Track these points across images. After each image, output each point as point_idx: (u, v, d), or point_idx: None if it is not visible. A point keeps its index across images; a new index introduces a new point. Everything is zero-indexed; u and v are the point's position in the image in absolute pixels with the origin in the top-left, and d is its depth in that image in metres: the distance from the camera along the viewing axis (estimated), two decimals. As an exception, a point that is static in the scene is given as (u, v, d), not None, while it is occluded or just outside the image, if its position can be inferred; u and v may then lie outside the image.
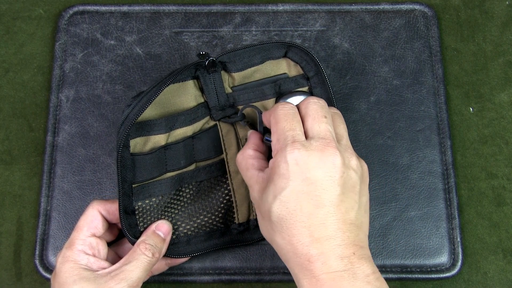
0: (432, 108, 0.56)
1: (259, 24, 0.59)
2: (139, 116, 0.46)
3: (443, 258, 0.52)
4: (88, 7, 0.59)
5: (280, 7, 0.59)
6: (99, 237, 0.45)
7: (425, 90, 0.57)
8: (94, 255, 0.44)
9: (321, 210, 0.39)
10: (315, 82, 0.51)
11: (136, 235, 0.46)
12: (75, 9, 0.59)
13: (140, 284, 0.43)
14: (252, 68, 0.51)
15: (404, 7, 0.60)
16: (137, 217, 0.48)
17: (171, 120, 0.50)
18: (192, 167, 0.51)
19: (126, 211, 0.46)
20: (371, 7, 0.60)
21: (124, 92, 0.56)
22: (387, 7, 0.60)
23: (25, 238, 0.53)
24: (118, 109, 0.56)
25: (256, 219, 0.50)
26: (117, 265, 0.43)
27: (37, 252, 0.52)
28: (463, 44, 0.60)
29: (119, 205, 0.45)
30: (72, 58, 0.58)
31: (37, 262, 0.52)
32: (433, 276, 0.52)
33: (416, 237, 0.53)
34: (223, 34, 0.59)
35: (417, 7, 0.60)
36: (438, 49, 0.58)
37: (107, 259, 0.46)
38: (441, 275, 0.52)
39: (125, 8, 0.59)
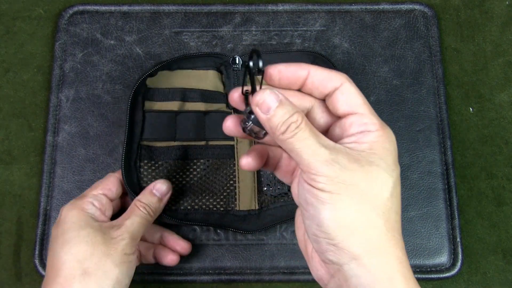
0: (432, 108, 0.56)
1: (259, 24, 0.59)
2: (154, 70, 0.51)
3: (443, 258, 0.52)
4: (88, 7, 0.59)
5: (280, 7, 0.59)
6: (110, 199, 0.47)
7: (425, 90, 0.57)
8: (100, 210, 0.46)
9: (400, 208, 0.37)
10: None
11: (137, 192, 0.49)
12: (75, 9, 0.59)
13: (139, 239, 0.45)
14: None
15: (404, 7, 0.60)
16: (142, 175, 0.51)
17: (187, 92, 0.54)
18: (202, 143, 0.52)
19: (130, 166, 0.50)
20: (371, 7, 0.60)
21: (124, 92, 0.56)
22: (387, 7, 0.60)
23: (25, 238, 0.53)
24: (118, 109, 0.56)
25: (256, 210, 0.52)
26: (118, 220, 0.45)
27: (36, 252, 0.52)
28: (463, 44, 0.60)
29: (122, 157, 0.49)
30: (72, 58, 0.58)
31: (37, 262, 0.52)
32: (433, 276, 0.52)
33: (416, 237, 0.53)
34: (223, 34, 0.59)
35: (417, 7, 0.60)
36: (438, 49, 0.58)
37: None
38: (441, 275, 0.52)
39: (125, 8, 0.59)
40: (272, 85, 0.35)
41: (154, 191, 0.47)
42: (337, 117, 0.35)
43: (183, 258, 0.51)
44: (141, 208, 0.45)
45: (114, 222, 0.45)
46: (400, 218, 0.35)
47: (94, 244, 0.42)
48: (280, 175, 0.38)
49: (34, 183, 0.55)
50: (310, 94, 0.35)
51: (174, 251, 0.50)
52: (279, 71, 0.35)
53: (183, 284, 0.52)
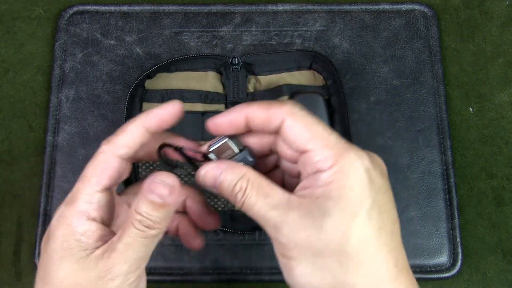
0: (432, 108, 0.56)
1: (259, 24, 0.59)
2: (153, 71, 0.52)
3: (443, 258, 0.52)
4: (88, 7, 0.59)
5: (280, 7, 0.59)
6: (111, 190, 0.33)
7: (425, 90, 0.57)
8: (99, 220, 0.32)
9: (396, 225, 0.32)
10: (332, 90, 0.53)
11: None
12: (75, 9, 0.59)
13: (142, 266, 0.32)
14: (278, 75, 0.55)
15: (404, 7, 0.60)
16: (140, 176, 0.51)
17: (185, 93, 0.54)
18: (201, 143, 0.53)
19: None
20: (371, 7, 0.60)
21: (124, 92, 0.56)
22: (387, 7, 0.60)
23: (25, 238, 0.53)
24: (118, 109, 0.56)
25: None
26: (113, 240, 0.31)
27: (37, 252, 0.52)
28: (463, 44, 0.60)
29: None
30: (72, 58, 0.58)
31: (37, 262, 0.52)
32: (433, 276, 0.52)
33: (416, 237, 0.53)
34: (223, 34, 0.59)
35: (417, 7, 0.60)
36: (438, 49, 0.58)
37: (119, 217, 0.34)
38: (441, 275, 0.52)
39: (125, 8, 0.59)
40: (211, 133, 0.33)
41: (149, 195, 0.30)
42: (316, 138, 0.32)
43: (183, 258, 0.51)
44: (135, 224, 0.30)
45: (108, 245, 0.31)
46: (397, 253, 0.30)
47: (79, 285, 0.30)
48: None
49: (34, 183, 0.55)
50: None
51: (201, 226, 0.38)
52: (216, 124, 0.32)
53: (183, 284, 0.52)
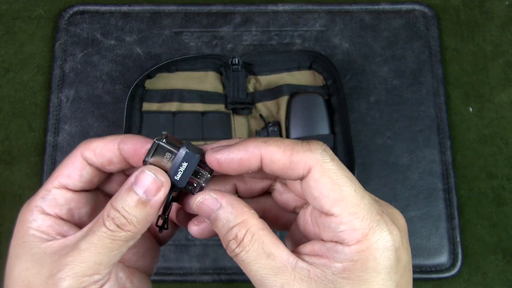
0: (432, 108, 0.56)
1: (259, 24, 0.59)
2: (153, 71, 0.52)
3: (443, 258, 0.52)
4: (88, 7, 0.59)
5: (280, 7, 0.59)
6: (76, 190, 0.29)
7: (425, 90, 0.57)
8: (55, 215, 0.28)
9: None
10: (332, 90, 0.53)
11: None
12: (75, 9, 0.59)
13: (106, 270, 0.26)
14: (278, 75, 0.55)
15: (404, 7, 0.60)
16: None
17: (185, 93, 0.54)
18: (201, 143, 0.53)
19: None
20: (371, 7, 0.60)
21: (124, 92, 0.56)
22: (387, 7, 0.60)
23: (25, 238, 0.53)
24: (118, 109, 0.56)
25: None
26: (76, 235, 0.27)
27: (37, 252, 0.52)
28: (463, 44, 0.60)
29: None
30: (72, 58, 0.58)
31: (37, 262, 0.52)
32: (433, 276, 0.52)
33: (416, 237, 0.53)
34: (223, 34, 0.59)
35: (417, 7, 0.60)
36: (438, 49, 0.58)
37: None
38: (441, 275, 0.52)
39: (125, 8, 0.59)
40: (222, 173, 0.27)
41: (135, 187, 0.26)
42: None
43: (183, 258, 0.51)
44: (106, 221, 0.26)
45: (67, 241, 0.27)
46: None
47: (28, 284, 0.27)
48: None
49: (34, 183, 0.55)
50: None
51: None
52: (220, 162, 0.26)
53: (183, 284, 0.52)
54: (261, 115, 0.54)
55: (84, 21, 0.59)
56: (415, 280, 0.52)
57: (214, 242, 0.52)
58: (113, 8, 0.59)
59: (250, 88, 0.55)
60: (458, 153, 0.56)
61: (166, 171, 0.26)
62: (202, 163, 0.27)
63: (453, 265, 0.52)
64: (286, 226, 0.30)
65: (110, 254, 0.26)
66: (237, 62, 0.54)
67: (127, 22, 0.59)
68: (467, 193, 0.55)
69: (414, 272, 0.52)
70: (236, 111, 0.55)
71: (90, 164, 0.28)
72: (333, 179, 0.24)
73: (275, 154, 0.25)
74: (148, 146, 0.27)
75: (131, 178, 0.26)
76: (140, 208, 0.26)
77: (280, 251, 0.25)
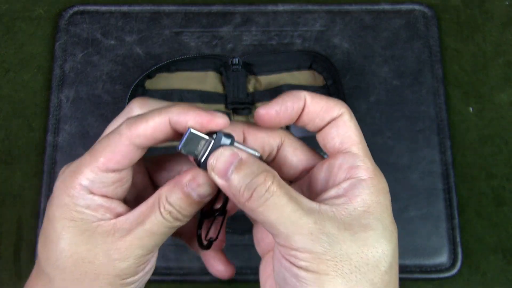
0: (432, 108, 0.56)
1: (259, 24, 0.59)
2: (153, 71, 0.52)
3: (442, 258, 0.52)
4: (88, 7, 0.59)
5: (280, 7, 0.59)
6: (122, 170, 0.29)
7: (425, 90, 0.57)
8: (103, 195, 0.29)
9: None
10: (332, 90, 0.54)
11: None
12: (75, 9, 0.59)
13: (154, 253, 0.30)
14: (278, 76, 0.55)
15: (404, 7, 0.60)
16: None
17: (185, 93, 0.54)
18: None
19: None
20: (371, 7, 0.60)
21: (124, 92, 0.56)
22: (387, 7, 0.60)
23: (25, 238, 0.53)
24: (118, 109, 0.56)
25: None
26: (129, 218, 0.28)
27: (37, 252, 0.52)
28: (463, 44, 0.60)
29: None
30: (72, 58, 0.58)
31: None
32: (433, 276, 0.52)
33: (416, 237, 0.53)
34: (223, 34, 0.59)
35: (417, 7, 0.60)
36: (438, 49, 0.58)
37: (126, 199, 0.30)
38: (441, 275, 0.52)
39: (125, 8, 0.59)
40: (271, 127, 0.29)
41: (189, 190, 0.28)
42: (319, 156, 0.30)
43: (183, 258, 0.51)
44: (164, 214, 0.28)
45: (120, 222, 0.28)
46: None
47: (76, 260, 0.28)
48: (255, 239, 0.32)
49: (34, 183, 0.55)
50: (303, 126, 0.29)
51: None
52: (277, 111, 0.28)
53: (183, 284, 0.52)
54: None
55: (84, 21, 0.59)
56: (415, 280, 0.52)
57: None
58: (113, 8, 0.59)
59: (250, 88, 0.55)
60: (458, 153, 0.56)
61: (203, 157, 0.27)
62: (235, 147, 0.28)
63: (453, 265, 0.52)
64: None
65: (165, 238, 0.29)
66: (237, 62, 0.54)
67: (127, 22, 0.59)
68: (467, 193, 0.55)
69: (414, 272, 0.52)
70: (236, 111, 0.55)
71: (140, 148, 0.28)
72: (357, 127, 0.29)
73: (315, 97, 0.28)
74: (206, 116, 0.27)
75: (184, 178, 0.28)
76: (193, 206, 0.28)
77: (303, 198, 0.26)
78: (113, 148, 0.28)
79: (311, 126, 0.29)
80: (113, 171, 0.28)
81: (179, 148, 0.27)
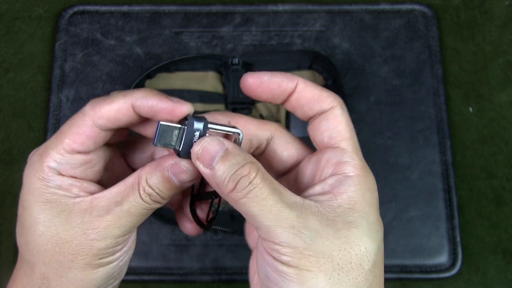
0: (432, 108, 0.56)
1: (259, 24, 0.59)
2: (153, 71, 0.52)
3: (442, 258, 0.52)
4: (88, 7, 0.59)
5: (280, 7, 0.59)
6: (89, 151, 0.29)
7: (425, 90, 0.57)
8: (72, 176, 0.28)
9: None
10: (332, 90, 0.53)
11: None
12: (75, 9, 0.59)
13: (132, 233, 0.30)
14: None
15: (404, 7, 0.60)
16: None
17: (185, 93, 0.54)
18: None
19: None
20: (371, 7, 0.60)
21: (124, 92, 0.56)
22: (387, 7, 0.60)
23: (25, 238, 0.53)
24: (118, 109, 0.56)
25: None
26: (105, 196, 0.28)
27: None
28: (463, 44, 0.60)
29: None
30: (72, 58, 0.58)
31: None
32: (432, 276, 0.52)
33: (416, 237, 0.53)
34: (223, 34, 0.59)
35: (417, 7, 0.60)
36: (438, 49, 0.58)
37: (103, 183, 0.30)
38: (441, 275, 0.52)
39: (125, 8, 0.59)
40: (250, 96, 0.29)
41: (169, 175, 0.28)
42: (310, 151, 0.30)
43: (183, 258, 0.51)
44: (143, 196, 0.28)
45: (97, 200, 0.28)
46: None
47: (55, 242, 0.27)
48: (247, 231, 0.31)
49: (34, 183, 0.55)
50: (293, 111, 0.29)
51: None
52: (261, 81, 0.28)
53: (183, 284, 0.52)
54: (261, 115, 0.55)
55: (84, 21, 0.59)
56: (415, 280, 0.52)
57: (214, 242, 0.52)
58: (113, 8, 0.59)
59: None
60: (458, 153, 0.56)
61: (180, 146, 0.27)
62: (211, 129, 0.27)
63: (453, 265, 0.52)
64: None
65: (143, 219, 0.29)
66: (237, 62, 0.54)
67: (127, 22, 0.59)
68: (467, 193, 0.55)
69: (414, 272, 0.52)
70: (236, 111, 0.55)
71: (103, 129, 0.28)
72: (348, 122, 0.28)
73: (309, 85, 0.28)
74: (166, 102, 0.27)
75: (165, 162, 0.28)
76: (173, 189, 0.28)
77: (288, 192, 0.26)
78: (77, 129, 0.27)
79: (299, 113, 0.29)
80: (79, 152, 0.28)
81: (155, 143, 0.27)
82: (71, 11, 0.59)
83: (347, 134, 0.28)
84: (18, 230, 0.29)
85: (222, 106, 0.55)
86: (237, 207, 0.25)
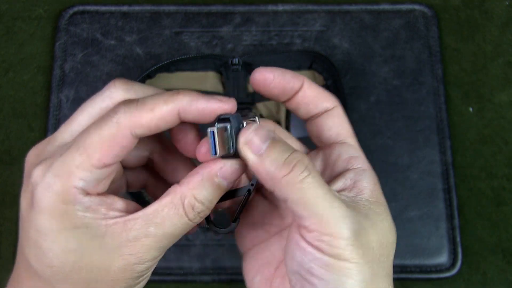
0: (432, 108, 0.56)
1: (259, 24, 0.59)
2: (153, 71, 0.52)
3: (442, 258, 0.52)
4: (88, 7, 0.59)
5: (280, 7, 0.59)
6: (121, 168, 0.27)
7: (425, 90, 0.57)
8: (98, 193, 0.26)
9: None
10: (332, 90, 0.54)
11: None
12: (75, 9, 0.59)
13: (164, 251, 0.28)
14: None
15: (404, 7, 0.60)
16: None
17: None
18: None
19: None
20: (371, 7, 0.60)
21: (124, 92, 0.56)
22: (387, 7, 0.60)
23: (25, 238, 0.53)
24: (118, 109, 0.56)
25: None
26: (140, 217, 0.25)
27: (37, 252, 0.52)
28: (463, 44, 0.60)
29: None
30: (72, 58, 0.58)
31: (37, 262, 0.52)
32: (432, 276, 0.52)
33: (416, 237, 0.53)
34: (223, 34, 0.59)
35: (417, 7, 0.60)
36: (438, 49, 0.58)
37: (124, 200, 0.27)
38: (441, 275, 0.52)
39: (125, 8, 0.59)
40: (258, 91, 0.28)
41: (220, 180, 0.26)
42: (304, 149, 0.31)
43: (183, 258, 0.51)
44: (191, 216, 0.26)
45: (131, 223, 0.25)
46: None
47: (90, 270, 0.25)
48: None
49: (34, 183, 0.55)
50: (293, 110, 0.30)
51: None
52: (274, 76, 0.27)
53: (183, 284, 0.52)
54: (261, 115, 0.55)
55: (84, 21, 0.59)
56: (415, 280, 0.52)
57: (214, 242, 0.52)
58: (113, 8, 0.59)
59: (250, 88, 0.55)
60: (458, 153, 0.56)
61: (233, 147, 0.26)
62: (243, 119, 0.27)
63: (453, 265, 0.52)
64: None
65: (179, 238, 0.27)
66: (237, 62, 0.54)
67: (127, 22, 0.59)
68: (467, 193, 0.55)
69: (414, 272, 0.52)
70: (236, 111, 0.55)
71: (139, 137, 0.25)
72: (348, 121, 0.30)
73: (313, 84, 0.29)
74: (215, 102, 0.26)
75: (213, 167, 0.26)
76: (222, 193, 0.27)
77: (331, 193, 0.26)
78: (111, 142, 0.24)
79: (303, 111, 0.29)
80: (109, 165, 0.25)
81: (217, 155, 0.25)
82: (71, 11, 0.59)
83: (351, 131, 0.29)
84: (32, 251, 0.26)
85: None
86: (285, 194, 0.24)
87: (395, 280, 0.53)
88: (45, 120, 0.56)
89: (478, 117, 0.57)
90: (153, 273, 0.53)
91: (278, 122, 0.54)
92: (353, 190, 0.27)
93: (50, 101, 0.56)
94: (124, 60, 0.58)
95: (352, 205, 0.25)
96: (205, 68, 0.55)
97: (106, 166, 0.25)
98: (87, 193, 0.25)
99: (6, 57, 0.59)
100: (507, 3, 0.61)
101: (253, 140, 0.25)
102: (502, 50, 0.60)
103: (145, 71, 0.53)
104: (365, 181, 0.27)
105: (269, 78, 0.27)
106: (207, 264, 0.52)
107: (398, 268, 0.52)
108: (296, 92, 0.28)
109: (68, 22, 0.59)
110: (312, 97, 0.29)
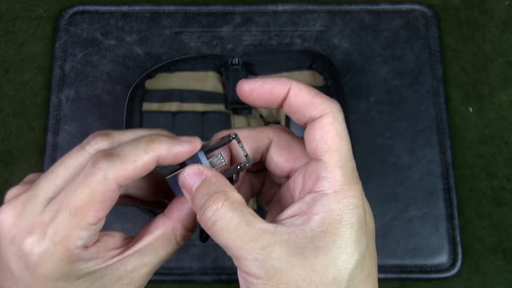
0: (432, 108, 0.56)
1: (259, 24, 0.59)
2: (153, 71, 0.53)
3: (442, 258, 0.52)
4: (88, 7, 0.59)
5: (280, 7, 0.59)
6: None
7: (425, 90, 0.57)
8: (95, 242, 0.27)
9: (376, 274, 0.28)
10: (333, 90, 0.54)
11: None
12: (75, 9, 0.59)
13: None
14: (278, 76, 0.55)
15: (404, 7, 0.60)
16: None
17: (185, 93, 0.55)
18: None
19: None
20: (371, 7, 0.60)
21: (124, 92, 0.56)
22: (387, 7, 0.60)
23: (25, 238, 0.53)
24: (118, 109, 0.56)
25: (255, 211, 0.44)
26: (135, 250, 0.28)
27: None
28: (463, 44, 0.60)
29: None
30: (72, 58, 0.58)
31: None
32: (432, 276, 0.52)
33: (416, 237, 0.53)
34: (223, 34, 0.59)
35: (417, 7, 0.60)
36: (438, 49, 0.58)
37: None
38: (441, 275, 0.52)
39: (125, 8, 0.59)
40: (247, 103, 0.28)
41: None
42: (306, 155, 0.28)
43: (183, 258, 0.51)
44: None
45: (127, 260, 0.27)
46: None
47: None
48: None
49: (34, 183, 0.55)
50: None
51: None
52: (251, 89, 0.27)
53: (183, 284, 0.52)
54: (261, 115, 0.55)
55: (84, 21, 0.59)
56: (415, 280, 0.52)
57: (214, 242, 0.52)
58: (113, 8, 0.59)
59: None
60: (458, 153, 0.56)
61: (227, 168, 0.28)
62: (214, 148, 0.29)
63: (453, 265, 0.52)
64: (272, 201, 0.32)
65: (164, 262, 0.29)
66: (237, 62, 0.54)
67: (127, 22, 0.59)
68: (467, 193, 0.55)
69: (414, 272, 0.52)
70: (236, 111, 0.55)
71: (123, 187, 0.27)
72: (338, 131, 0.26)
73: (302, 90, 0.26)
74: (186, 145, 0.28)
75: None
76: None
77: (258, 221, 0.25)
78: (102, 197, 0.25)
79: (294, 118, 0.28)
80: (103, 217, 0.26)
81: (179, 194, 0.28)
82: (71, 11, 0.59)
83: (333, 145, 0.25)
84: None
85: (222, 106, 0.55)
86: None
87: (395, 280, 0.53)
88: (45, 120, 0.56)
89: (478, 117, 0.57)
90: (153, 273, 0.53)
91: (278, 122, 0.54)
92: (302, 217, 0.25)
93: (50, 101, 0.56)
94: (124, 60, 0.58)
95: (285, 238, 0.24)
96: (205, 68, 0.55)
97: (100, 220, 0.26)
98: (86, 247, 0.26)
99: (6, 57, 0.59)
100: (507, 3, 0.61)
101: (184, 185, 0.27)
102: (502, 50, 0.60)
103: (145, 71, 0.53)
104: (317, 208, 0.25)
105: (248, 91, 0.27)
106: (207, 264, 0.52)
107: (398, 268, 0.52)
108: (284, 99, 0.27)
109: (68, 22, 0.59)
110: (297, 106, 0.27)
